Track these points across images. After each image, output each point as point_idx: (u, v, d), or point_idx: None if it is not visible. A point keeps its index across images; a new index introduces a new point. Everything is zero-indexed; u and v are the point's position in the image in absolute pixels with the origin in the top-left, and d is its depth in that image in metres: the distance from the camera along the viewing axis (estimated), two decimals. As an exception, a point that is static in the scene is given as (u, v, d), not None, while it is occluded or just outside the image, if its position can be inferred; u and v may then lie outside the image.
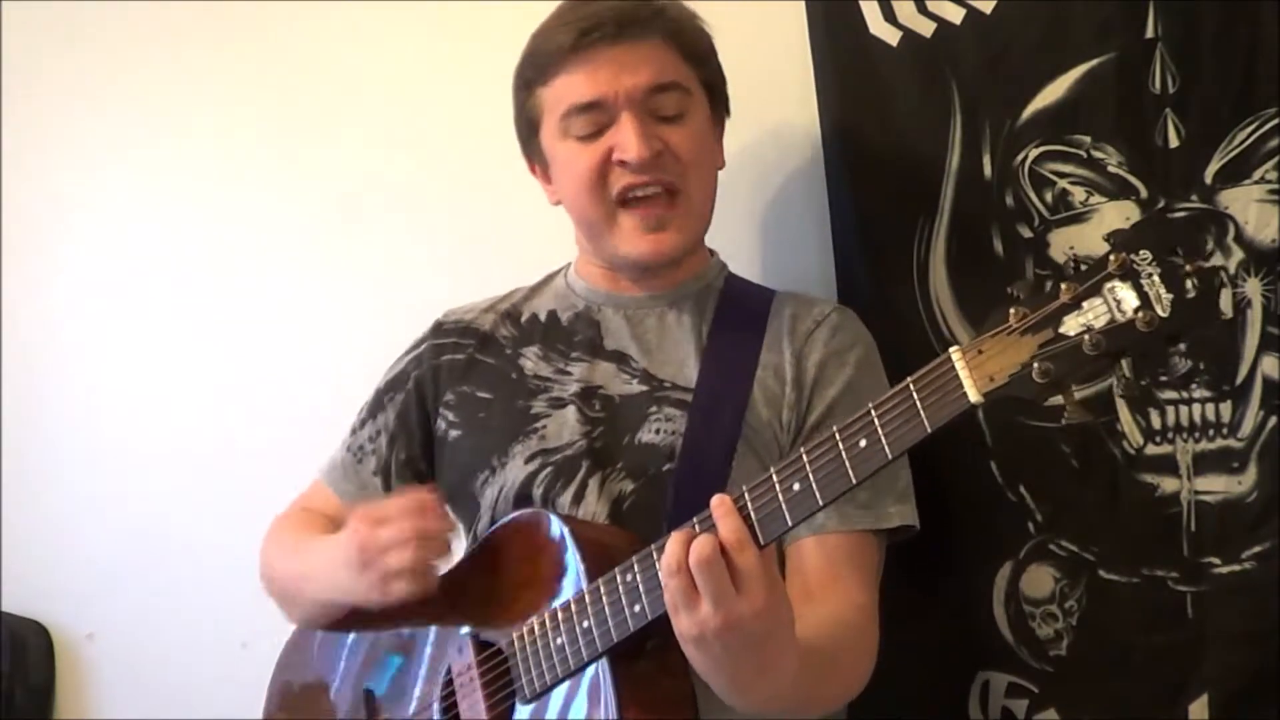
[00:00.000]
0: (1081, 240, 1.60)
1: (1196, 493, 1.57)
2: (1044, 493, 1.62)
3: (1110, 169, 1.58)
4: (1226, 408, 1.56)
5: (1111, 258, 1.03)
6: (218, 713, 2.04)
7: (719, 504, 1.17)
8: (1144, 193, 1.57)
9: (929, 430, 1.09)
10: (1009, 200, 1.63)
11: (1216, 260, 1.53)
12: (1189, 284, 1.01)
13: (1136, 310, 1.02)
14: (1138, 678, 1.59)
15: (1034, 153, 1.61)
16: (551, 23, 1.50)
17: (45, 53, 2.24)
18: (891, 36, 1.67)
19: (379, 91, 2.06)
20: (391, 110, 2.05)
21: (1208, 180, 1.55)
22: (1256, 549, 1.55)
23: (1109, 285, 1.03)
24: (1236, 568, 1.55)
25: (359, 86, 2.07)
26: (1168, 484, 1.58)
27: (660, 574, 1.19)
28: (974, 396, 1.07)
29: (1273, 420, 1.54)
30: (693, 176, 1.49)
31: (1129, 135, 1.57)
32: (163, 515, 2.18)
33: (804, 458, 1.16)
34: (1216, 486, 1.56)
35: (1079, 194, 1.60)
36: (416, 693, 1.47)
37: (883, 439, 1.12)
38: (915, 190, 1.67)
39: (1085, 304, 1.04)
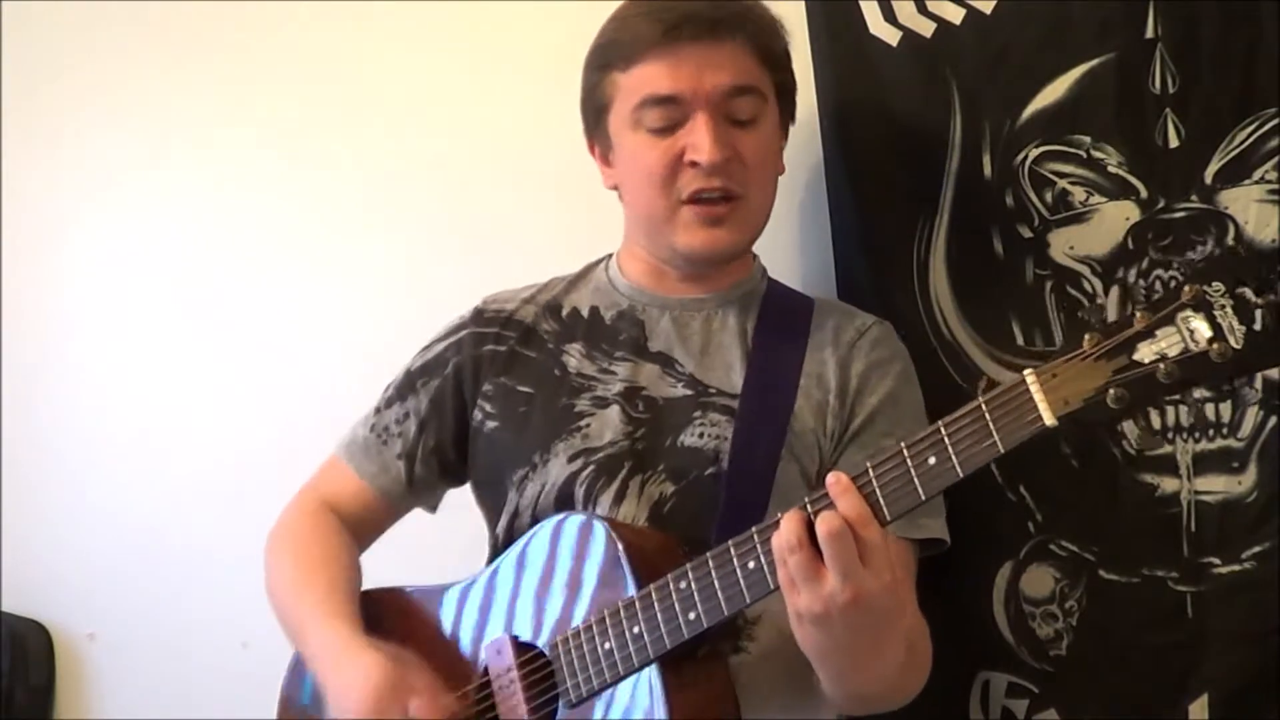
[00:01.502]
0: (1081, 240, 1.60)
1: (1196, 493, 1.57)
2: (1044, 493, 1.63)
3: (1110, 169, 1.58)
4: (1226, 408, 1.56)
5: (1186, 288, 1.06)
6: (218, 713, 2.04)
7: (837, 482, 1.17)
8: (1144, 193, 1.57)
9: (1001, 450, 1.12)
10: (1009, 200, 1.63)
11: (1216, 260, 1.54)
12: (1261, 317, 1.04)
13: (1210, 341, 1.05)
14: (1138, 678, 1.59)
15: (1034, 153, 1.61)
16: (634, 10, 1.49)
17: (48, 53, 2.24)
18: (891, 36, 1.67)
19: (386, 91, 2.06)
20: (399, 109, 2.05)
21: (1208, 180, 1.55)
22: (1256, 549, 1.55)
23: (1182, 315, 1.06)
24: (1236, 568, 1.55)
25: (367, 86, 2.07)
26: (1168, 484, 1.57)
27: (775, 554, 1.19)
28: (1049, 420, 1.09)
29: (1273, 420, 1.54)
30: (755, 184, 1.50)
31: (1129, 135, 1.57)
32: (163, 515, 2.18)
33: (870, 473, 1.17)
34: (1216, 486, 1.56)
35: (1079, 194, 1.60)
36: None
37: (953, 457, 1.13)
38: (915, 190, 1.67)
39: (1159, 332, 1.07)
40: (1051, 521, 1.62)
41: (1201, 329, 1.05)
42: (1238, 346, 1.04)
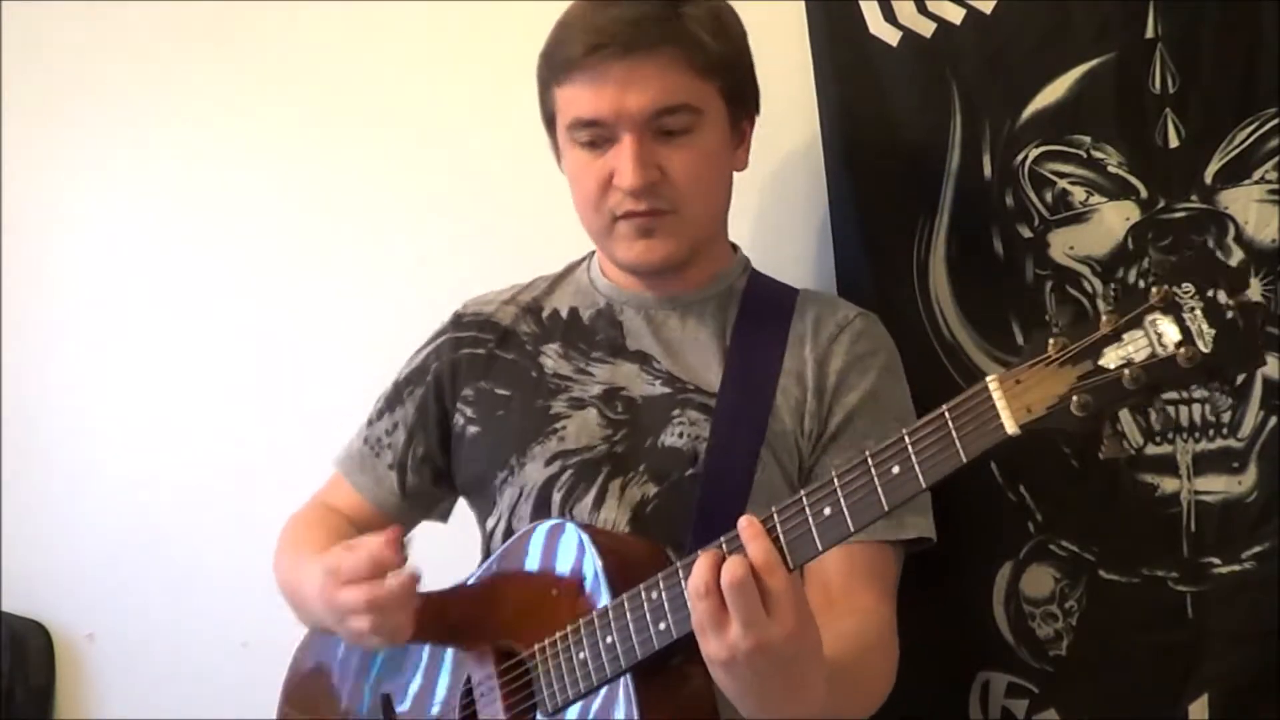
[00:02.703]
0: (1081, 240, 1.60)
1: (1196, 493, 1.57)
2: (1044, 493, 1.62)
3: (1110, 169, 1.58)
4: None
5: (1154, 290, 1.01)
6: (218, 713, 2.04)
7: (748, 526, 1.16)
8: (1144, 193, 1.57)
9: (964, 460, 1.08)
10: (1009, 200, 1.63)
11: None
12: (1232, 319, 1.00)
13: (1178, 345, 1.00)
14: (1138, 678, 1.59)
15: (1034, 153, 1.61)
16: (573, 19, 1.46)
17: (48, 53, 2.24)
18: (891, 36, 1.67)
19: (387, 92, 2.06)
20: (398, 111, 2.05)
21: (1208, 180, 1.55)
22: (1256, 549, 1.55)
23: (1150, 318, 1.01)
24: (1236, 568, 1.55)
25: (365, 85, 2.07)
26: (1168, 484, 1.57)
27: (688, 596, 1.18)
28: (1011, 428, 1.05)
29: (1273, 420, 1.54)
30: (689, 199, 1.46)
31: (1129, 135, 1.57)
32: (163, 515, 2.19)
33: (835, 482, 1.15)
34: (1216, 486, 1.56)
35: (1079, 194, 1.60)
36: (436, 699, 1.46)
37: (916, 467, 1.10)
38: (915, 190, 1.67)
39: (1125, 336, 1.02)
40: (1051, 521, 1.62)
41: (1170, 332, 1.00)
42: (1206, 350, 0.99)
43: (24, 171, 2.27)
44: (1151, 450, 1.58)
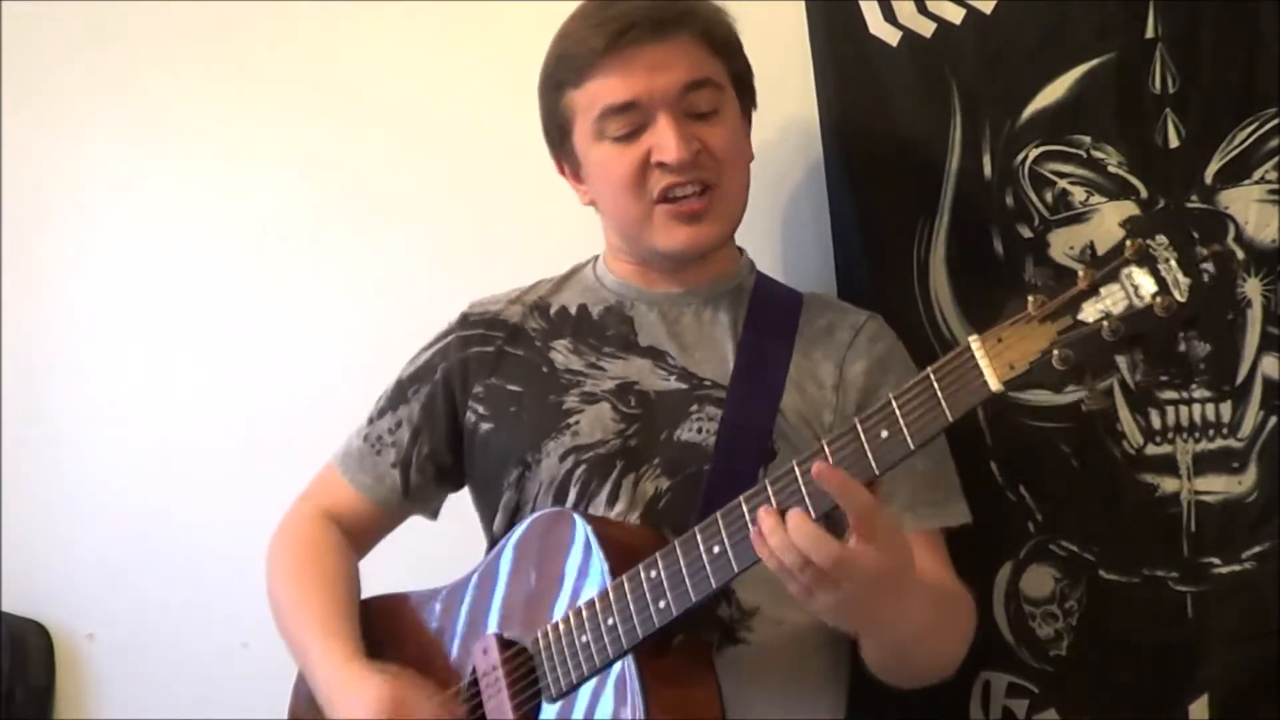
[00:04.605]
0: (1081, 240, 1.59)
1: (1196, 493, 1.57)
2: (1044, 493, 1.63)
3: (1110, 169, 1.58)
4: (1226, 408, 1.56)
5: (1128, 243, 1.03)
6: (218, 713, 2.04)
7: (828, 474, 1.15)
8: (1144, 193, 1.57)
9: (950, 419, 1.11)
10: (1009, 200, 1.63)
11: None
12: (1206, 269, 1.01)
13: (1154, 295, 1.02)
14: (1138, 678, 1.59)
15: (1034, 153, 1.61)
16: (579, 24, 1.49)
17: (48, 53, 2.24)
18: (891, 36, 1.67)
19: (387, 92, 2.05)
20: (399, 110, 2.05)
21: (1208, 180, 1.55)
22: (1256, 549, 1.55)
23: (1126, 271, 1.03)
24: (1236, 568, 1.55)
25: (368, 86, 2.06)
26: (1168, 484, 1.58)
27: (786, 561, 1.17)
28: (994, 385, 1.08)
29: (1273, 420, 1.54)
30: (728, 173, 1.49)
31: (1129, 135, 1.57)
32: (163, 515, 2.18)
33: (825, 449, 1.17)
34: (1216, 486, 1.56)
35: (1079, 194, 1.60)
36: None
37: (904, 429, 1.13)
38: (915, 190, 1.67)
39: (1103, 290, 1.04)
40: (1051, 521, 1.63)
41: (1146, 284, 1.02)
42: (1182, 299, 1.01)
43: (25, 171, 2.27)
44: (1151, 450, 1.58)
